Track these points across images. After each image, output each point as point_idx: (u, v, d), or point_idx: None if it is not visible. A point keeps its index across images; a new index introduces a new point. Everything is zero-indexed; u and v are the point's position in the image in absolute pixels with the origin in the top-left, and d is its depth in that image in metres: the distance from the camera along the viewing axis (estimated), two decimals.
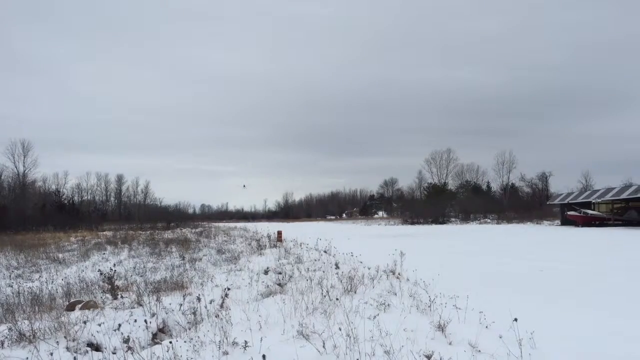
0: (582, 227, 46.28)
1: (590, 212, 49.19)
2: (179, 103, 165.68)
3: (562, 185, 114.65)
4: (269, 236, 28.01)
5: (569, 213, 50.00)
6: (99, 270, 13.35)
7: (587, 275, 13.41)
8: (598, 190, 52.83)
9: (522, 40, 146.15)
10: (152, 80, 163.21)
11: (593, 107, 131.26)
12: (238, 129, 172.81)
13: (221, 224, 72.89)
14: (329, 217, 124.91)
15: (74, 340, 7.15)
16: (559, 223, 55.83)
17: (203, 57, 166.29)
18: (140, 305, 9.54)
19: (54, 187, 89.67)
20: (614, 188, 50.05)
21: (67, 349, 6.89)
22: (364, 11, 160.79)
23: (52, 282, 14.04)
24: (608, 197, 48.07)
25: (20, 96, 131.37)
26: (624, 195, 45.48)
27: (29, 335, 7.26)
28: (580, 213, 48.43)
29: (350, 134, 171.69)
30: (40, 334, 7.34)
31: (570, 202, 53.15)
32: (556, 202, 59.31)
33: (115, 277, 11.71)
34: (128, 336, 6.95)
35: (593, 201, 51.02)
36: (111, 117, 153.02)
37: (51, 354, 6.27)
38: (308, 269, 14.14)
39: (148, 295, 10.31)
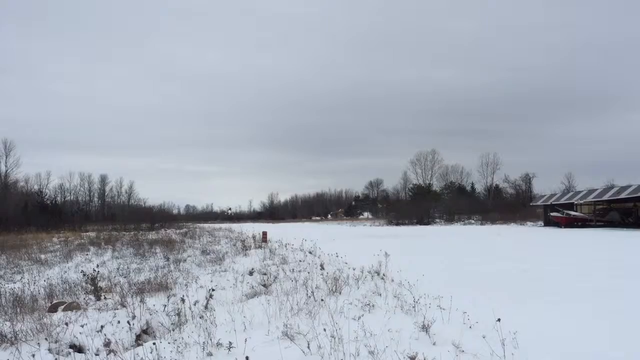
0: (564, 228, 46.79)
1: (572, 213, 49.72)
2: (163, 103, 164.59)
3: (545, 187, 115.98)
4: (254, 237, 27.95)
5: (551, 214, 50.50)
6: (82, 271, 13.23)
7: (571, 276, 13.57)
8: (580, 192, 53.47)
9: (505, 42, 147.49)
10: (135, 79, 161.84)
11: (576, 109, 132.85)
12: (222, 129, 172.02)
13: (206, 225, 72.47)
14: (314, 218, 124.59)
15: (56, 342, 7.09)
16: (542, 224, 56.37)
17: (186, 56, 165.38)
18: (124, 306, 9.48)
19: (36, 187, 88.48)
20: (596, 189, 50.72)
21: (49, 350, 6.82)
22: (346, 12, 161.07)
23: (34, 283, 13.87)
24: (590, 198, 48.68)
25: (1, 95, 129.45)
26: (606, 197, 46.09)
27: (11, 337, 7.18)
28: (563, 214, 48.92)
29: (336, 134, 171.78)
30: (22, 336, 7.26)
31: (553, 203, 53.69)
32: (539, 203, 59.89)
33: (98, 278, 11.62)
34: (109, 339, 6.91)
35: (575, 202, 51.60)
36: (94, 117, 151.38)
37: (33, 355, 6.21)
38: (293, 269, 14.14)
39: (132, 296, 10.25)
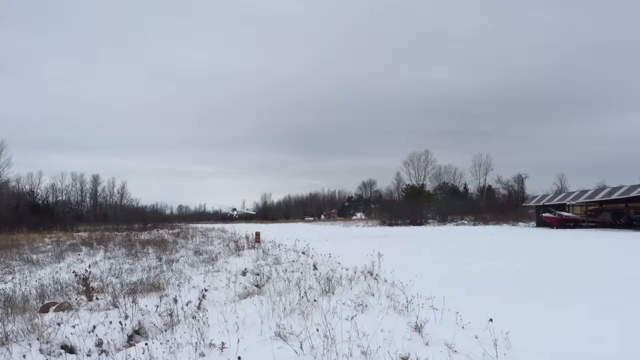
0: (557, 228, 47.01)
1: (564, 213, 49.99)
2: (158, 103, 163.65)
3: (537, 187, 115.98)
4: (247, 237, 27.90)
5: (544, 215, 50.76)
6: (74, 272, 13.15)
7: (563, 276, 13.63)
8: (572, 193, 53.76)
9: (497, 42, 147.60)
10: (130, 78, 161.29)
11: (568, 110, 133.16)
12: (216, 129, 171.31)
13: (199, 225, 72.34)
14: (307, 219, 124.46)
15: (47, 343, 7.05)
16: (535, 225, 56.64)
17: (186, 56, 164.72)
18: (116, 306, 9.44)
19: (27, 187, 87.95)
20: (588, 190, 51.02)
21: (41, 351, 6.78)
22: (346, 12, 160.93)
23: (26, 283, 13.78)
24: (582, 199, 48.96)
25: None
26: (598, 198, 46.37)
27: (1, 337, 7.13)
28: (555, 215, 49.18)
29: (331, 134, 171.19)
30: (13, 336, 7.22)
31: (545, 204, 53.98)
32: (532, 203, 60.17)
33: (90, 279, 11.56)
34: (101, 340, 6.87)
35: (567, 203, 51.88)
36: (88, 116, 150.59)
37: (24, 356, 6.17)
38: (286, 270, 14.13)
39: (124, 296, 10.20)
